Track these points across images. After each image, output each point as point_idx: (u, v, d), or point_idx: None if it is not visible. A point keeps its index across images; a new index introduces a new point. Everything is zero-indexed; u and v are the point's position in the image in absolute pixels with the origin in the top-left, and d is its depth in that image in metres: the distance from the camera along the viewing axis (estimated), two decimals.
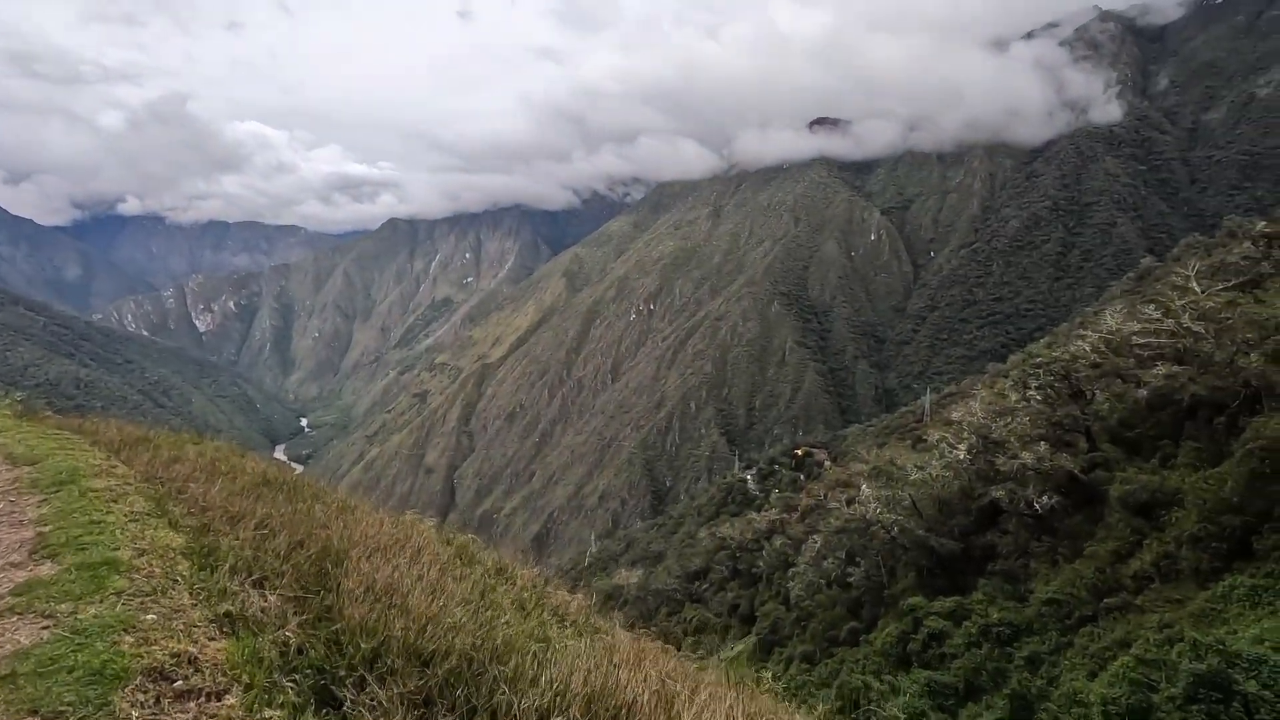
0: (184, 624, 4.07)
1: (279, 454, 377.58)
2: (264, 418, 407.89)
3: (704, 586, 70.73)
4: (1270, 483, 14.92)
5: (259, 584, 4.82)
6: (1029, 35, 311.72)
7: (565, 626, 6.53)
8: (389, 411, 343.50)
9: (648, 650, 5.36)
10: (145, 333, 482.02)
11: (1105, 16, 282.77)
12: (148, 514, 5.97)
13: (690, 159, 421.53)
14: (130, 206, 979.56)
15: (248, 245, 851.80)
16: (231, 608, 4.34)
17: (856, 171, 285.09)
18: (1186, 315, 24.91)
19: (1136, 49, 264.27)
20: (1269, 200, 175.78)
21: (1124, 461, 23.03)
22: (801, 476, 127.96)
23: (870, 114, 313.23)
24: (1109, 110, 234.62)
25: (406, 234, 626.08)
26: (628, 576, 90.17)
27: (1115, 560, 19.44)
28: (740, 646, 53.53)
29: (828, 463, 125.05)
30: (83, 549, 5.04)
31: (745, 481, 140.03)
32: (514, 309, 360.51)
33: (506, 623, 5.09)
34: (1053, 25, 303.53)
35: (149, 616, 4.11)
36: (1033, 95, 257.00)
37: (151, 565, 4.82)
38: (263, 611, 4.39)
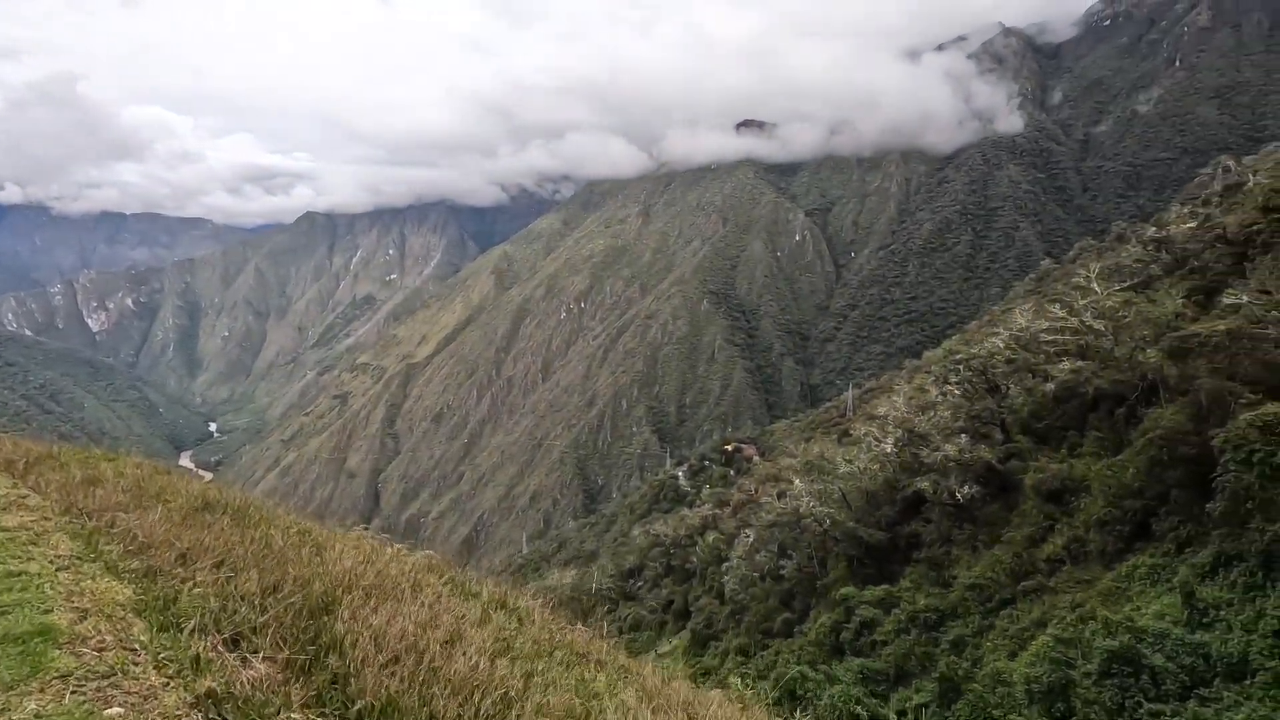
0: (160, 715, 3.17)
1: (185, 461, 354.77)
2: (167, 423, 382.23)
3: (639, 584, 71.06)
4: (1168, 469, 16.13)
5: (234, 643, 3.96)
6: (940, 47, 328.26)
7: (598, 669, 5.64)
8: (307, 414, 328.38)
9: (679, 690, 5.10)
10: (29, 332, 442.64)
11: (1008, 32, 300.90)
12: (78, 558, 4.84)
13: (619, 157, 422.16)
14: (10, 195, 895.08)
15: (147, 238, 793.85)
16: (214, 684, 3.42)
17: (781, 173, 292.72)
18: (1088, 314, 26.73)
19: (1036, 64, 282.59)
20: (1150, 208, 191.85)
21: (1035, 451, 24.51)
22: (732, 472, 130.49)
23: (794, 117, 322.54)
24: (1011, 121, 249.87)
25: (325, 228, 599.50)
26: (561, 577, 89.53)
27: (1030, 545, 20.64)
28: (676, 642, 54.06)
29: (756, 458, 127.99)
30: (4, 613, 3.90)
31: (677, 478, 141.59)
32: (441, 307, 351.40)
33: (551, 682, 4.38)
34: (961, 38, 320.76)
35: (112, 711, 3.14)
36: (944, 104, 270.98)
37: (100, 631, 3.80)
38: (253, 686, 3.47)
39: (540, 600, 6.98)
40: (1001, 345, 27.07)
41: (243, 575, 4.70)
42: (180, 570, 4.77)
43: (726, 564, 48.26)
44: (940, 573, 23.70)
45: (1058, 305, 29.38)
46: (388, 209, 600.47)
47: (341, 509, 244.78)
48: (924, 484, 24.03)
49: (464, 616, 5.13)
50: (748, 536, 45.28)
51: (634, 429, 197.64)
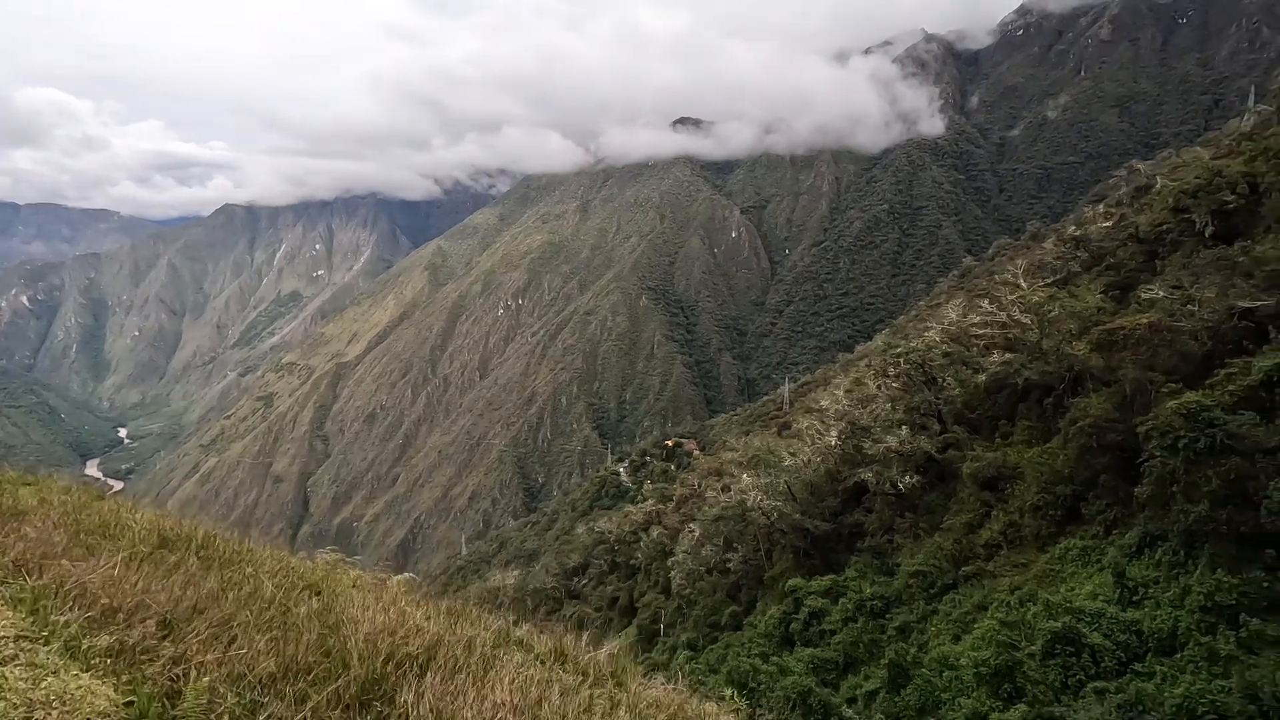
0: None
1: (92, 469, 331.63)
2: (70, 430, 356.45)
3: (583, 582, 70.67)
4: (1096, 456, 17.01)
5: None
6: (867, 51, 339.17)
7: None
8: (228, 417, 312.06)
9: None
10: None
11: (930, 39, 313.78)
12: (27, 638, 3.28)
13: (556, 152, 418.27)
14: None
15: (44, 231, 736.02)
16: None
17: (717, 171, 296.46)
18: (1016, 309, 28.00)
19: (955, 70, 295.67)
20: (1060, 209, 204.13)
21: (970, 441, 25.52)
22: (673, 467, 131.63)
23: (729, 115, 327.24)
24: (933, 123, 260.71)
25: (245, 222, 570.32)
26: (503, 578, 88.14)
27: (968, 531, 21.47)
28: (621, 639, 53.91)
29: (697, 452, 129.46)
30: None
31: (618, 474, 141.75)
32: (372, 304, 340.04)
33: None
34: (887, 43, 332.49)
35: None
36: (871, 106, 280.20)
37: None
38: None
39: (597, 645, 5.33)
40: (938, 339, 28.07)
41: (250, 648, 3.57)
42: (168, 646, 3.50)
43: (672, 559, 48.45)
44: (884, 561, 24.40)
45: (987, 300, 30.66)
46: (313, 202, 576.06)
47: (268, 516, 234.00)
48: (867, 475, 24.67)
49: (551, 686, 3.90)
50: (693, 531, 45.57)
51: (574, 426, 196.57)
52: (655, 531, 62.63)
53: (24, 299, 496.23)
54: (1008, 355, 27.41)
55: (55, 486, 7.56)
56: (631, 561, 64.08)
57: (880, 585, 22.07)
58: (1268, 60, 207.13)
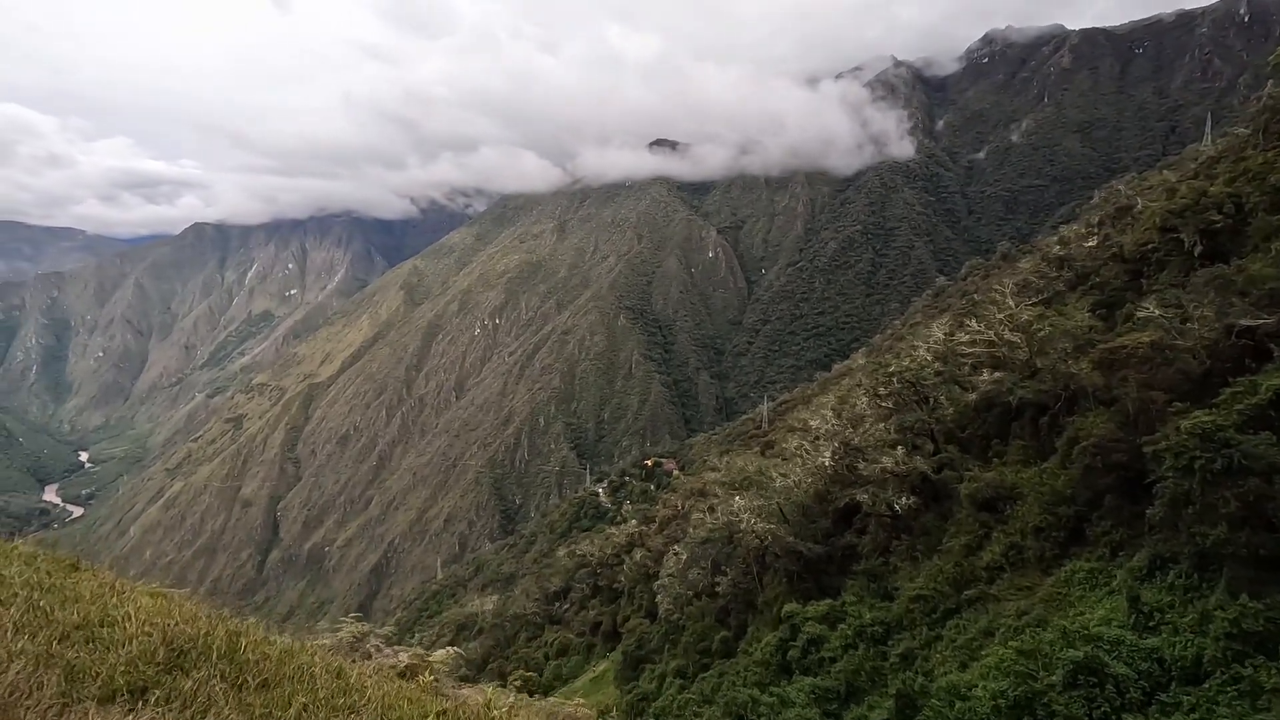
0: None
1: (51, 495, 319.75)
2: (29, 453, 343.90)
3: (565, 607, 69.15)
4: (1100, 476, 16.77)
5: None
6: (838, 76, 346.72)
7: None
8: (196, 439, 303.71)
9: None
10: None
11: (898, 64, 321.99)
12: None
13: (532, 172, 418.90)
14: None
15: (5, 249, 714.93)
16: None
17: (694, 191, 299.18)
18: (1004, 327, 28.04)
19: (924, 95, 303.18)
20: (1027, 230, 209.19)
21: (965, 460, 25.28)
22: (652, 487, 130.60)
23: (703, 138, 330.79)
24: (903, 146, 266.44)
25: (215, 241, 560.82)
26: (482, 603, 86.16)
27: (968, 553, 21.10)
28: (605, 666, 52.63)
29: (677, 472, 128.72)
30: None
31: (597, 495, 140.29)
32: (346, 324, 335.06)
33: None
34: (857, 69, 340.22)
35: None
36: (843, 129, 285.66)
37: None
38: None
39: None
40: (930, 358, 27.96)
41: None
42: None
43: (658, 582, 47.48)
44: (881, 584, 23.92)
45: (974, 319, 30.69)
46: (286, 220, 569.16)
47: (236, 541, 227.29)
48: (863, 496, 24.25)
49: None
50: (678, 554, 44.71)
51: (552, 446, 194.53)
52: (638, 554, 61.61)
53: None
54: (997, 374, 27.37)
55: (14, 554, 5.70)
56: (614, 585, 62.91)
57: (880, 610, 21.57)
58: (1219, 89, 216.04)
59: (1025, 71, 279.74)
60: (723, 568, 38.37)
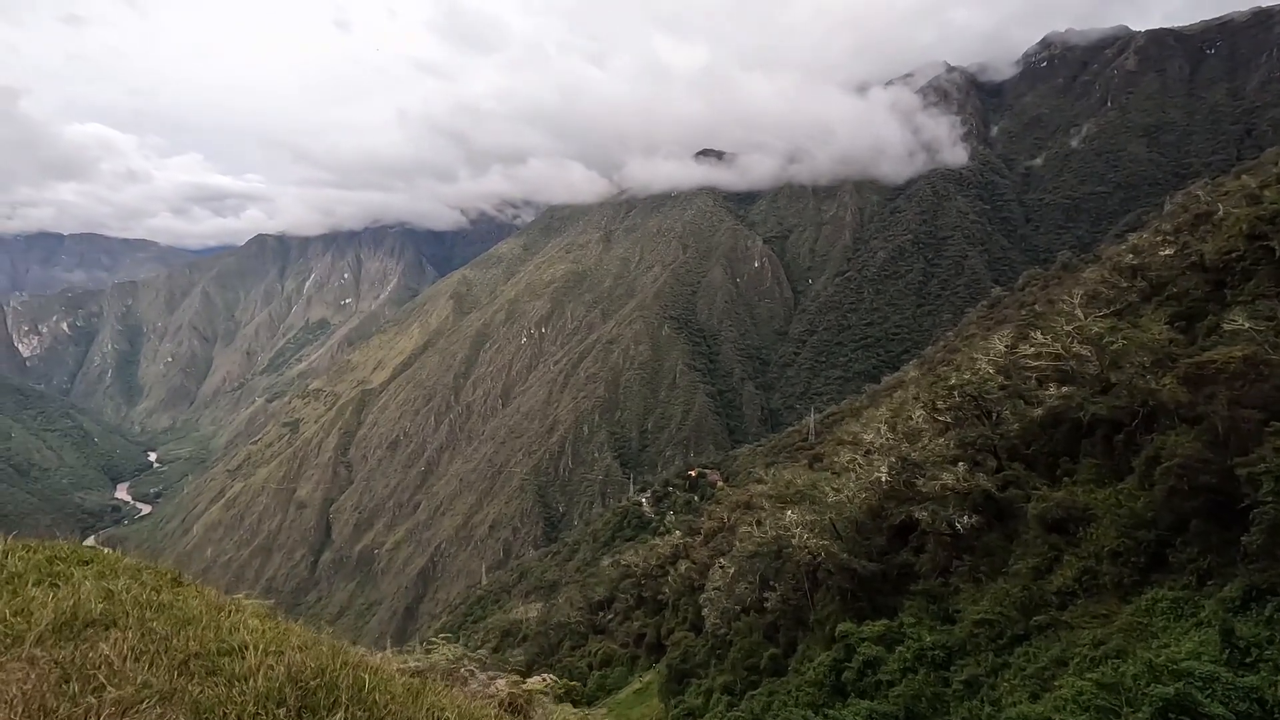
0: None
1: (122, 493, 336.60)
2: (103, 453, 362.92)
3: (608, 617, 68.94)
4: (1186, 499, 15.75)
5: None
6: (889, 83, 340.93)
7: None
8: (255, 442, 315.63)
9: None
10: None
11: (951, 70, 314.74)
12: None
13: (579, 183, 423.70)
14: None
15: (85, 260, 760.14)
16: None
17: (740, 201, 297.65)
18: (1073, 340, 26.80)
19: (979, 100, 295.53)
20: (1088, 239, 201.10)
21: (1029, 479, 24.16)
22: (696, 498, 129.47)
23: (750, 147, 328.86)
24: (956, 153, 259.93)
25: (276, 251, 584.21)
26: (526, 610, 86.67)
27: (1036, 577, 20.08)
28: (649, 678, 52.13)
29: (721, 483, 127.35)
30: None
31: (641, 504, 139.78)
32: (397, 332, 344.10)
33: None
34: (908, 75, 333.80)
35: None
36: (894, 136, 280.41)
37: None
38: None
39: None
40: (992, 371, 26.91)
41: None
42: None
43: (703, 595, 46.85)
44: (941, 605, 22.97)
45: (1039, 331, 29.46)
46: (342, 232, 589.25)
47: (290, 541, 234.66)
48: (922, 513, 23.39)
49: None
50: (725, 567, 44.03)
51: (595, 455, 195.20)
52: (683, 566, 60.99)
53: (64, 325, 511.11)
54: (1066, 388, 26.14)
55: (120, 566, 5.38)
56: (659, 596, 62.39)
57: (941, 633, 20.69)
58: None
59: (1086, 75, 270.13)
60: (771, 583, 37.59)
